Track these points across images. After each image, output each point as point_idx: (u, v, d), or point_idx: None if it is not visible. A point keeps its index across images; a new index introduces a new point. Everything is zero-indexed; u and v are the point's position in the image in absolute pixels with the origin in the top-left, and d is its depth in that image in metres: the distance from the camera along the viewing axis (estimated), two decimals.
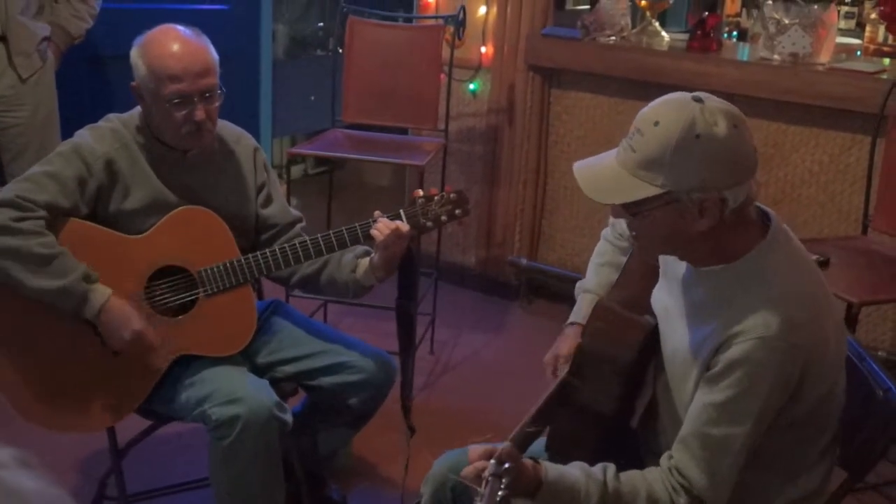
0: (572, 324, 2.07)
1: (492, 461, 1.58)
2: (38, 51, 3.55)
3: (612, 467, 1.73)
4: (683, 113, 1.58)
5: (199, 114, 2.34)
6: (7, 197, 2.27)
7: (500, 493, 1.52)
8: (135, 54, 2.36)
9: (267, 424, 2.31)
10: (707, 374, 1.67)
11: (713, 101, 1.62)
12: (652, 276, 1.90)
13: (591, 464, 1.74)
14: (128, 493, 2.63)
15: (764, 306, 1.61)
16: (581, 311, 2.07)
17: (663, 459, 1.74)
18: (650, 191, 1.61)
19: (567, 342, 2.02)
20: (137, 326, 2.32)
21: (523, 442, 1.76)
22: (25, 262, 2.24)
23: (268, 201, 2.59)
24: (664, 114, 1.60)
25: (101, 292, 2.30)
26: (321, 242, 2.41)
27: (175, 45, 2.33)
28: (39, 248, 2.24)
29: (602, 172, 1.68)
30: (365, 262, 2.48)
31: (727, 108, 1.61)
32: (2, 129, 3.55)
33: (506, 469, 1.55)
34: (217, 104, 2.39)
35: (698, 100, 1.60)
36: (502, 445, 1.61)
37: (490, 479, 1.54)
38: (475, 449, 1.66)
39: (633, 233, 1.75)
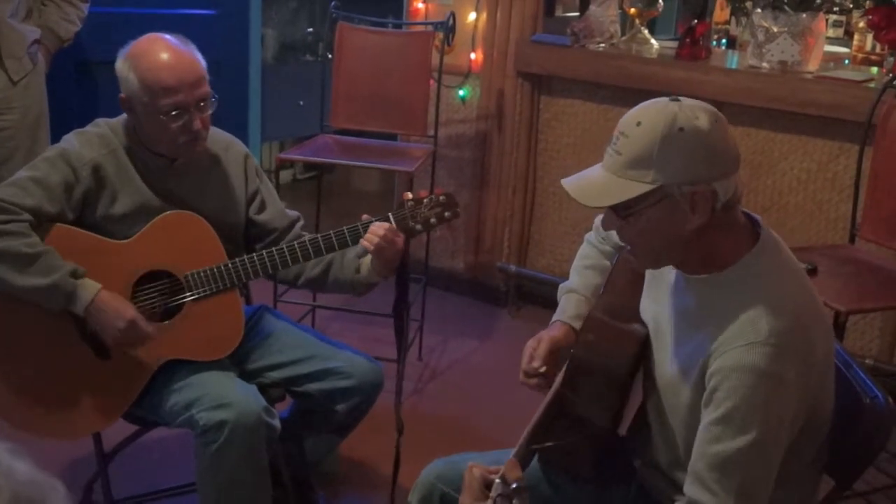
0: (557, 321, 2.06)
1: (497, 481, 1.56)
2: (28, 54, 3.54)
3: None
4: (665, 111, 1.62)
5: (197, 123, 2.34)
6: None
7: None
8: (124, 67, 2.34)
9: (255, 430, 2.30)
10: (704, 397, 1.64)
11: (690, 100, 1.66)
12: (638, 282, 1.90)
13: (586, 473, 1.73)
14: (114, 498, 2.62)
15: (751, 314, 1.61)
16: (565, 310, 2.05)
17: None
18: (641, 188, 1.62)
19: (553, 331, 2.00)
20: (130, 315, 2.31)
21: (524, 458, 1.75)
22: (11, 262, 2.23)
23: (262, 207, 2.58)
24: (646, 114, 1.63)
25: (89, 287, 2.29)
26: (308, 246, 2.40)
27: (167, 55, 2.32)
28: (25, 248, 2.23)
29: (590, 180, 1.69)
30: (367, 260, 2.48)
31: (705, 105, 1.66)
32: None
33: (514, 489, 1.53)
34: (210, 112, 2.39)
35: (676, 100, 1.65)
36: (505, 463, 1.60)
37: (498, 499, 1.52)
38: (474, 472, 1.65)
39: (627, 244, 1.74)
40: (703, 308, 1.70)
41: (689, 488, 1.65)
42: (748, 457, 1.59)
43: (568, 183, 1.71)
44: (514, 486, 1.54)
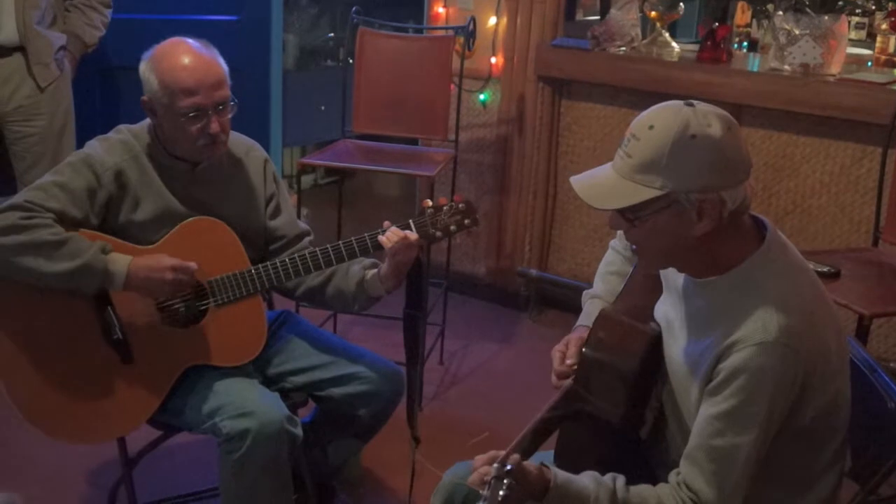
0: (580, 326, 2.07)
1: (494, 465, 1.59)
2: (55, 60, 3.58)
3: (621, 478, 1.73)
4: (678, 116, 1.62)
5: (214, 126, 2.35)
6: (16, 202, 2.29)
7: (501, 493, 1.53)
8: (146, 69, 2.37)
9: (277, 438, 2.31)
10: (709, 386, 1.67)
11: (705, 105, 1.65)
12: (656, 286, 1.91)
13: (602, 472, 1.74)
14: (138, 502, 2.63)
15: (761, 314, 1.62)
16: (590, 315, 2.06)
17: (671, 475, 1.74)
18: (649, 193, 1.62)
19: (578, 333, 2.01)
20: (170, 262, 2.33)
21: (526, 449, 1.76)
22: (38, 251, 2.25)
23: (276, 213, 2.59)
24: (658, 118, 1.63)
25: (120, 259, 2.31)
26: (331, 253, 2.41)
27: (187, 58, 2.34)
28: (49, 236, 2.25)
29: (600, 181, 1.69)
30: (373, 272, 2.48)
31: (719, 112, 1.65)
32: (19, 138, 3.58)
33: (507, 471, 1.56)
34: (230, 116, 2.40)
35: (690, 104, 1.64)
36: (506, 450, 1.62)
37: (492, 481, 1.56)
38: (480, 456, 1.67)
39: (633, 245, 1.75)
40: (711, 310, 1.71)
41: (688, 472, 1.70)
42: (746, 453, 1.64)
43: (577, 181, 1.72)
44: (507, 468, 1.57)
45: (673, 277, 1.82)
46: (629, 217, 1.67)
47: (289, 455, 2.39)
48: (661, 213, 1.64)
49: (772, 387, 1.61)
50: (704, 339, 1.70)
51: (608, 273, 2.13)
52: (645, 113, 1.67)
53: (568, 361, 1.93)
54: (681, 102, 1.65)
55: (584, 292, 2.15)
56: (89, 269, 2.27)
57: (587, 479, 1.72)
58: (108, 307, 2.36)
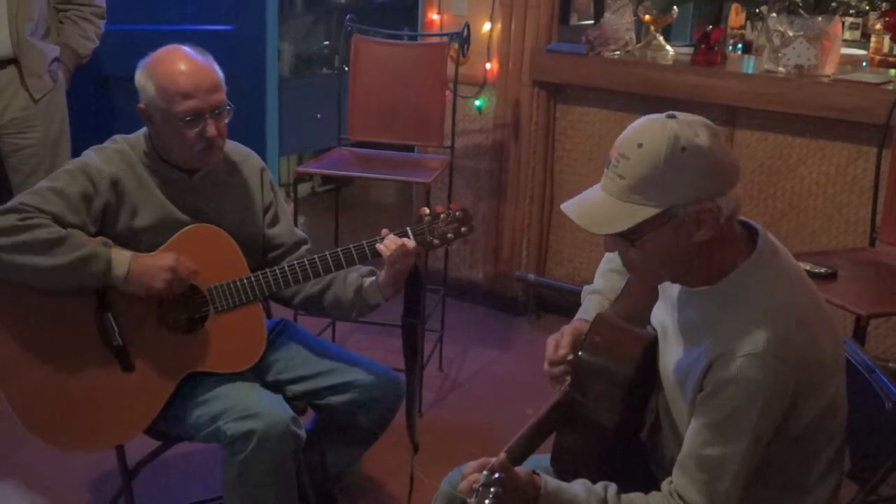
0: (579, 319, 2.07)
1: (483, 472, 1.59)
2: (48, 71, 3.59)
3: (613, 486, 1.73)
4: (665, 130, 1.60)
5: (211, 129, 2.36)
6: (11, 205, 2.30)
7: (487, 501, 1.53)
8: (142, 76, 2.38)
9: (282, 439, 2.32)
10: (700, 396, 1.67)
11: (686, 115, 1.64)
12: (654, 290, 1.91)
13: (598, 478, 1.74)
14: None
15: (751, 324, 1.62)
16: (587, 310, 2.06)
17: (664, 484, 1.74)
18: (648, 212, 1.61)
19: (575, 323, 2.00)
20: (169, 262, 2.34)
21: (519, 454, 1.76)
22: (38, 250, 2.25)
23: (274, 221, 2.60)
24: (646, 134, 1.62)
25: (123, 253, 2.32)
26: (330, 260, 2.42)
27: (182, 63, 2.36)
28: (47, 235, 2.26)
29: (593, 205, 1.68)
30: (371, 280, 2.49)
31: (702, 120, 1.64)
32: (14, 150, 3.58)
33: (495, 479, 1.57)
34: (226, 120, 2.41)
35: (672, 116, 1.63)
36: (497, 457, 1.62)
37: (480, 489, 1.56)
38: (471, 463, 1.67)
39: (629, 264, 1.74)
40: (703, 320, 1.71)
41: (679, 481, 1.70)
42: (737, 463, 1.64)
43: (569, 208, 1.71)
44: (495, 475, 1.57)
45: (668, 285, 1.82)
46: (629, 238, 1.66)
47: (292, 459, 2.40)
48: (661, 229, 1.62)
49: (762, 398, 1.61)
50: (696, 348, 1.70)
51: (609, 270, 2.13)
52: (628, 131, 1.65)
53: (561, 351, 1.92)
54: (662, 116, 1.64)
55: (584, 288, 2.15)
56: (94, 257, 2.27)
57: (578, 487, 1.72)
58: (108, 313, 2.37)
